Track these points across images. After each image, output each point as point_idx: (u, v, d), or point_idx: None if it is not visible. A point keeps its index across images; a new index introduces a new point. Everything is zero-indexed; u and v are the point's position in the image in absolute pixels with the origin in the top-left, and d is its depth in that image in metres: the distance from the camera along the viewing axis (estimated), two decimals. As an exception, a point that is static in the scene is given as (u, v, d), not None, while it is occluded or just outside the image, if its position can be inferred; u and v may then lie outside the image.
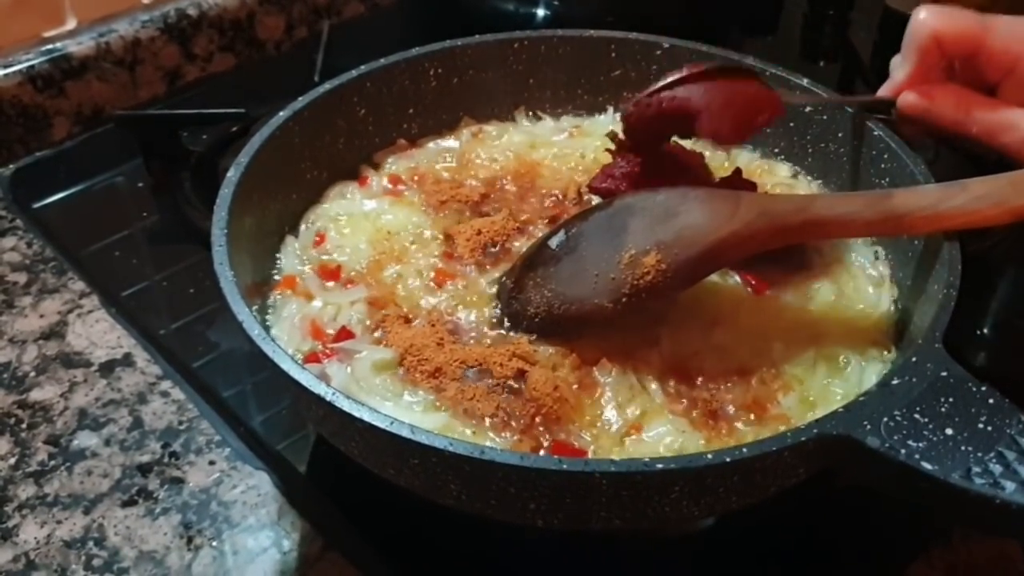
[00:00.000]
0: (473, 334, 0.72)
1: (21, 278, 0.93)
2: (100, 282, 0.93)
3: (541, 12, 1.22)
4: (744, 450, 0.56)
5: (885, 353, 0.71)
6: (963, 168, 1.03)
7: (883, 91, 0.79)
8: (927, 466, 0.54)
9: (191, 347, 0.87)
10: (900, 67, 0.77)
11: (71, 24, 1.14)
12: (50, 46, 1.11)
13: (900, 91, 0.76)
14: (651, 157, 0.79)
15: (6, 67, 1.08)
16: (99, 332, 0.88)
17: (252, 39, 1.28)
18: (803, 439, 0.56)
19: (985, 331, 0.90)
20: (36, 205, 1.05)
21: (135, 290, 0.94)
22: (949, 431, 0.56)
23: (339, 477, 0.75)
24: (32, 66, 1.09)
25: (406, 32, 1.39)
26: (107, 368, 0.84)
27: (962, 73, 0.76)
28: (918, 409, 0.57)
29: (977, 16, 0.74)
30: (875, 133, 0.80)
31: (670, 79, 0.75)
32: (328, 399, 0.56)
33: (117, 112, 1.10)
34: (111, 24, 1.15)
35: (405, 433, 0.55)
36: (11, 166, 1.10)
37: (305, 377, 0.58)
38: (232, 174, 0.73)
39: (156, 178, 1.06)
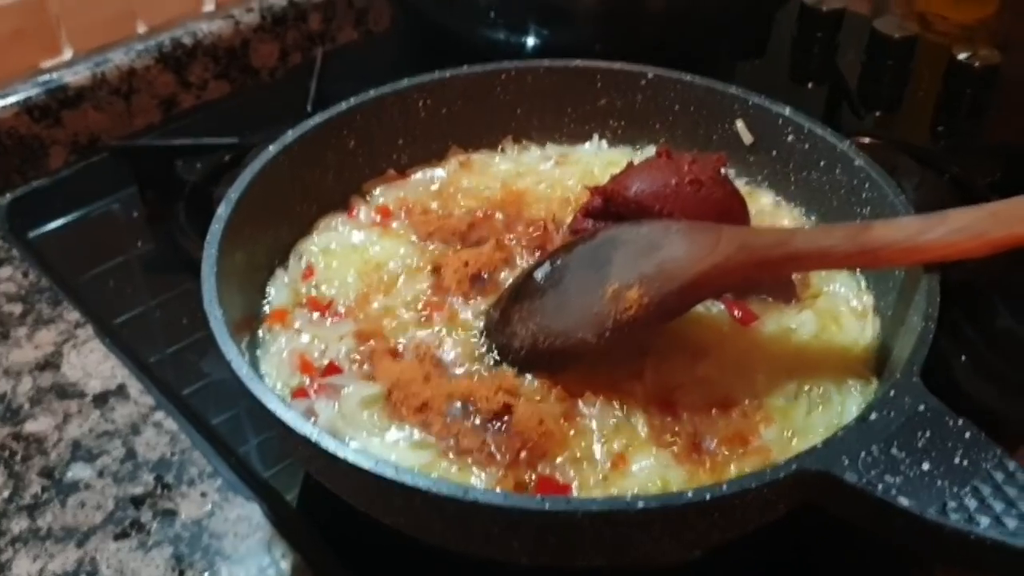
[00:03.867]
0: (460, 367, 0.73)
1: (16, 308, 0.94)
2: (94, 311, 0.94)
3: (531, 41, 1.23)
4: (724, 488, 0.56)
5: (866, 384, 0.72)
6: (948, 192, 1.05)
7: None
8: (904, 501, 0.55)
9: (183, 376, 0.88)
10: None
11: (67, 55, 1.15)
12: (47, 76, 1.13)
13: None
14: None
15: (3, 98, 1.09)
16: (93, 363, 0.89)
17: (246, 66, 1.29)
18: (782, 475, 0.57)
19: (977, 359, 0.91)
20: (32, 234, 1.06)
21: (129, 318, 0.95)
22: (926, 466, 0.57)
23: (329, 508, 0.75)
24: (29, 97, 1.10)
25: (399, 59, 1.40)
26: (101, 399, 0.85)
27: None
28: (895, 443, 0.58)
29: None
30: (856, 163, 0.81)
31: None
32: (313, 439, 0.57)
33: (112, 143, 1.11)
34: (107, 54, 1.17)
35: (389, 474, 0.56)
36: (7, 195, 1.11)
37: (291, 417, 0.59)
38: (222, 210, 0.74)
39: (150, 207, 1.07)
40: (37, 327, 0.92)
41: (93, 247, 1.05)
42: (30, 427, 0.82)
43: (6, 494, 0.77)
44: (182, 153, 1.08)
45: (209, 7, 1.25)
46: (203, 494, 0.77)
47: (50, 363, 0.88)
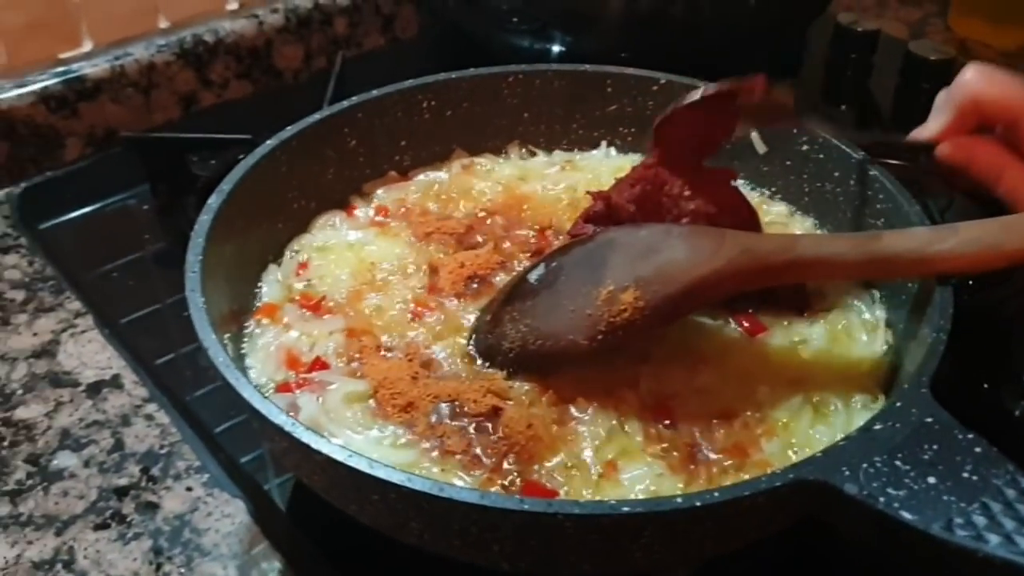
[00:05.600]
0: (449, 368, 0.71)
1: (19, 295, 0.94)
2: (97, 303, 0.93)
3: (556, 48, 1.21)
4: (716, 494, 0.54)
5: (873, 400, 0.69)
6: (978, 215, 1.01)
7: (916, 135, 0.76)
8: (906, 515, 0.52)
9: (185, 376, 0.86)
10: (936, 116, 0.75)
11: (87, 47, 1.16)
12: (65, 68, 1.13)
13: (935, 139, 0.74)
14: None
15: (20, 87, 1.09)
16: (90, 352, 0.88)
17: (269, 67, 1.29)
18: (778, 484, 0.54)
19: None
20: (43, 225, 1.06)
21: (134, 312, 0.94)
22: (931, 479, 0.53)
23: (313, 507, 0.73)
24: (46, 87, 1.11)
25: (424, 65, 1.37)
26: (94, 389, 0.84)
27: (1002, 134, 0.73)
28: (900, 456, 0.55)
29: (1022, 86, 0.71)
30: (871, 174, 0.78)
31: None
32: (287, 429, 0.55)
33: (125, 134, 1.11)
34: (127, 48, 1.17)
35: (363, 467, 0.54)
36: (22, 184, 1.11)
37: (266, 407, 0.57)
38: (213, 201, 0.73)
39: (161, 202, 1.07)
40: (37, 315, 0.91)
41: (103, 240, 1.04)
42: (20, 413, 0.81)
43: (-10, 479, 0.76)
44: (195, 148, 1.07)
45: (232, 5, 1.25)
46: (188, 488, 0.75)
47: (47, 351, 0.87)
